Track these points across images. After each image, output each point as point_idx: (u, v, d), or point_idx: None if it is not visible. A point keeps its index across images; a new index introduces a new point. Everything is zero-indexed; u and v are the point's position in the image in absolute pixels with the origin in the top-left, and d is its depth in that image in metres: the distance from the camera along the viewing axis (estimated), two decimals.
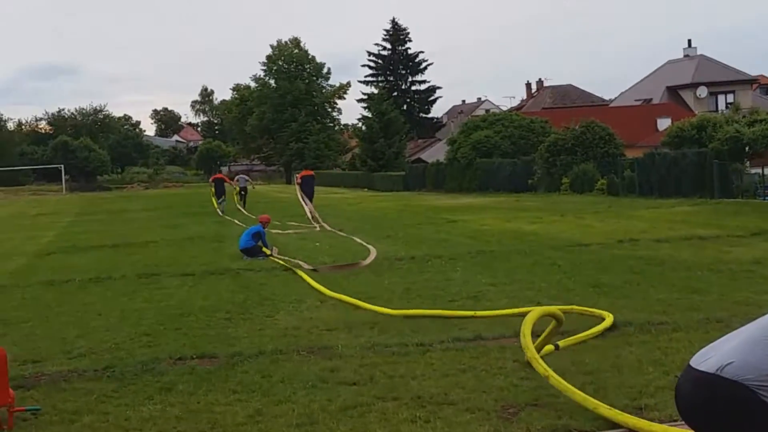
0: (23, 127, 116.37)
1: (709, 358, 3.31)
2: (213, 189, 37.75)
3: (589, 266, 14.81)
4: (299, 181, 31.47)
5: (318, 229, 25.35)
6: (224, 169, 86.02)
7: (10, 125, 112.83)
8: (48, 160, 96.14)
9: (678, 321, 9.59)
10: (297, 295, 13.01)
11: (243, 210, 35.49)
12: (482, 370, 7.86)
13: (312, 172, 34.78)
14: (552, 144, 43.82)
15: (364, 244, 19.78)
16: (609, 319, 9.57)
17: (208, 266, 17.12)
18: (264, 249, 18.35)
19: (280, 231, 24.46)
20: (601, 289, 12.13)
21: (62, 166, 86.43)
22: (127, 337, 10.17)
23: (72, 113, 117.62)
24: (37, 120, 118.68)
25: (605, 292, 11.82)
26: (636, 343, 8.63)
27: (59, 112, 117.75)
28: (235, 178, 40.65)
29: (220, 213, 35.01)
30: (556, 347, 8.33)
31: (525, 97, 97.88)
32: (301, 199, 29.55)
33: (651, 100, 68.64)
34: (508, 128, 51.61)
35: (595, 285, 12.58)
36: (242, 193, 38.77)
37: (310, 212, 28.13)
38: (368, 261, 16.53)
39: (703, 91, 65.78)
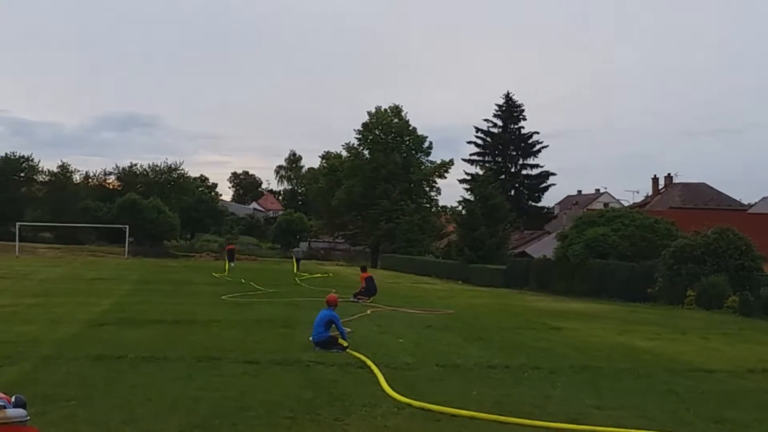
0: (90, 180, 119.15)
1: None
2: (227, 256, 62.24)
3: (712, 397, 14.42)
4: (363, 283, 35.85)
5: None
6: (303, 245, 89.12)
7: (76, 177, 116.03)
8: (112, 218, 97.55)
9: None
10: (372, 397, 12.94)
11: (295, 272, 59.60)
12: None
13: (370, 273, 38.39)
14: (678, 249, 42.97)
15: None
16: None
17: (275, 354, 17.20)
18: (341, 341, 18.35)
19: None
20: (725, 426, 11.79)
21: (127, 227, 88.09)
22: (176, 429, 10.23)
23: (144, 169, 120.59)
24: (105, 174, 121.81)
25: (729, 430, 11.44)
26: None
27: (131, 167, 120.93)
28: (294, 254, 69.95)
29: (226, 272, 56.44)
30: None
31: (650, 192, 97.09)
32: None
33: None
34: (628, 227, 50.98)
35: (717, 420, 12.23)
36: (298, 264, 64.43)
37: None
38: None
39: None
